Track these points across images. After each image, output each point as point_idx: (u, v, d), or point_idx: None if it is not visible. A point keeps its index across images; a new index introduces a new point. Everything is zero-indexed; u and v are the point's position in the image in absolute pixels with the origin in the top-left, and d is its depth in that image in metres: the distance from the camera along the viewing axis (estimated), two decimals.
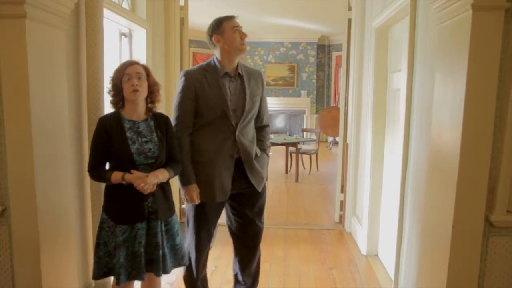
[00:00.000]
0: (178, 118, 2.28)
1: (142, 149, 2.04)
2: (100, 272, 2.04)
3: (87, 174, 2.13)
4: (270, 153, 2.61)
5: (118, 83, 2.03)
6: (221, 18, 2.29)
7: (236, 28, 2.25)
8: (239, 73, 2.33)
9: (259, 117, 2.48)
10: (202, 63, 2.39)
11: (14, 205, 1.98)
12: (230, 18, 2.28)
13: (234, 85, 2.32)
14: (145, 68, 2.09)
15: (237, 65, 2.34)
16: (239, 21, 2.31)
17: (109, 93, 2.09)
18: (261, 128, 2.52)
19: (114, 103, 2.08)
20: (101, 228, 2.05)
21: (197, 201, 2.29)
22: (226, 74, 2.30)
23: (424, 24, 2.41)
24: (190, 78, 2.27)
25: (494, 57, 1.72)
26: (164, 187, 2.12)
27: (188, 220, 2.45)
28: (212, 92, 2.25)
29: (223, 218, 2.51)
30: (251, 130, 2.40)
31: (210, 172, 2.28)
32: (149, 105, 2.13)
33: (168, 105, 4.15)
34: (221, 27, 2.26)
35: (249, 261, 2.56)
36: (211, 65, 2.31)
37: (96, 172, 2.06)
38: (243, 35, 2.26)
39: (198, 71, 2.30)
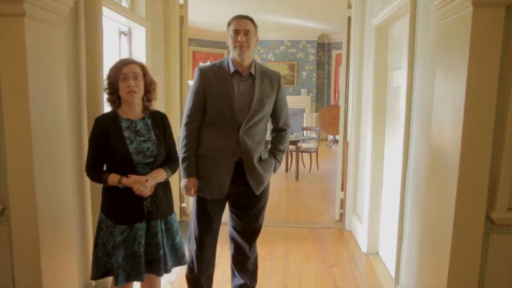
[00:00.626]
0: (188, 111, 2.33)
1: (141, 148, 2.02)
2: (99, 272, 2.04)
3: None
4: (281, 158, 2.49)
5: (114, 81, 2.00)
6: (230, 19, 2.30)
7: (235, 30, 2.24)
8: (250, 73, 2.32)
9: (274, 119, 2.47)
10: (216, 61, 2.41)
11: (14, 204, 1.98)
12: (235, 19, 2.27)
13: (244, 85, 2.31)
14: (142, 67, 2.06)
15: (251, 65, 2.32)
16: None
17: (105, 91, 2.08)
18: (276, 131, 2.49)
19: (111, 101, 2.06)
20: (99, 228, 2.04)
21: (193, 194, 2.33)
22: (236, 73, 2.30)
23: (424, 22, 2.40)
24: (201, 74, 2.32)
25: (495, 55, 1.71)
26: (164, 186, 2.12)
27: (190, 217, 2.46)
28: (220, 90, 2.26)
29: (225, 217, 2.50)
30: (259, 132, 2.36)
31: (210, 168, 2.29)
32: (146, 103, 2.11)
33: (167, 103, 4.16)
34: (228, 28, 2.29)
35: (243, 259, 2.55)
36: (223, 64, 2.34)
37: (93, 173, 2.04)
38: (237, 36, 2.22)
39: (210, 69, 2.34)
